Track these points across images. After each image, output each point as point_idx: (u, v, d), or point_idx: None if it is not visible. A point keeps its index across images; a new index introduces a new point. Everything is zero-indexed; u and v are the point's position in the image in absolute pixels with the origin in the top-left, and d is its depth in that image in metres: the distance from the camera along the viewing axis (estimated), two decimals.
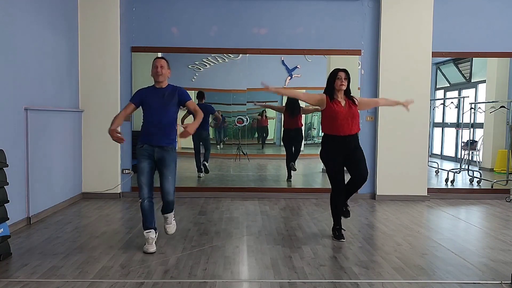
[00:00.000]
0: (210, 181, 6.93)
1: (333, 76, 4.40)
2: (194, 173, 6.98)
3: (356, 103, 4.44)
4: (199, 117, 4.02)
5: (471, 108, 7.83)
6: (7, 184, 3.85)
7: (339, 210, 4.50)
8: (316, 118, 7.20)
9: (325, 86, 4.48)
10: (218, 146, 7.20)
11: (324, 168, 4.68)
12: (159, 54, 6.77)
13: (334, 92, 4.38)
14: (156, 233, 4.04)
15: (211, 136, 7.10)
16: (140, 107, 4.09)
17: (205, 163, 7.04)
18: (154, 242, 4.00)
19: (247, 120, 6.98)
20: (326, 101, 4.37)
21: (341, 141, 4.34)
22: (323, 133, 4.54)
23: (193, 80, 6.73)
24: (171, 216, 4.18)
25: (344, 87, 4.36)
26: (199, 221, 5.07)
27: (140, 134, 4.09)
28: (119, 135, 3.84)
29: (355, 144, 4.44)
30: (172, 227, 4.23)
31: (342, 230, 4.48)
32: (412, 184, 6.48)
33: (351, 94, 4.49)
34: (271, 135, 7.35)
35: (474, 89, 8.39)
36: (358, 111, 4.45)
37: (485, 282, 3.29)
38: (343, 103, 4.38)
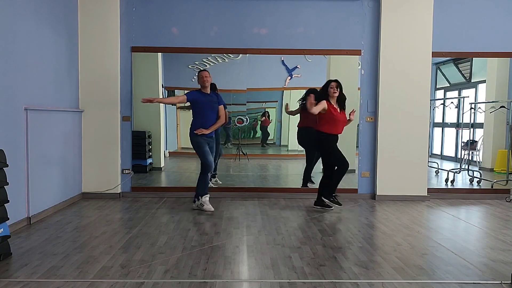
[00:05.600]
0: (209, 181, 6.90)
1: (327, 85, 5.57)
2: (193, 173, 6.96)
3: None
4: (220, 122, 5.60)
5: (471, 108, 7.82)
6: (7, 184, 3.85)
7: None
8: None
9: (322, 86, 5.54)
10: (226, 146, 7.15)
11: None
12: (159, 54, 6.79)
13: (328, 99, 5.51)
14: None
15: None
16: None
17: (216, 179, 6.88)
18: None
19: (247, 120, 6.97)
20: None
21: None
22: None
23: (193, 80, 6.71)
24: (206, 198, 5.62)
25: (336, 95, 5.51)
26: (199, 221, 5.07)
27: (197, 125, 5.49)
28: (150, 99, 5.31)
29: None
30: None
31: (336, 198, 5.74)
32: (412, 184, 6.47)
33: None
34: (271, 135, 7.34)
35: (474, 89, 8.38)
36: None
37: (485, 282, 3.29)
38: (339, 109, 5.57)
